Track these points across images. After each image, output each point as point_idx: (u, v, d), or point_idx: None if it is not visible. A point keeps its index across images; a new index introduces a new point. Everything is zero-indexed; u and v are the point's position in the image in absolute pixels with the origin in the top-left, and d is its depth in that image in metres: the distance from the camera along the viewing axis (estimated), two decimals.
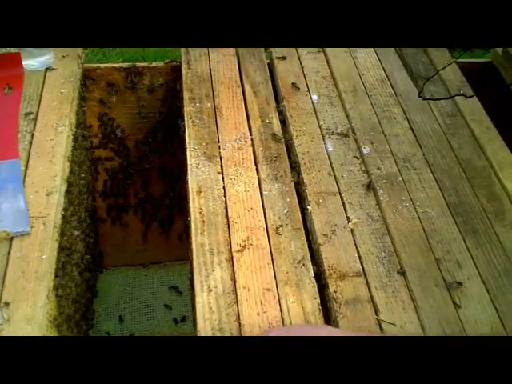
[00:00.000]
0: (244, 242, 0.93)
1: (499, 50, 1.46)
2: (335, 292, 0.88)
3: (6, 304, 0.81)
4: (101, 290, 1.63)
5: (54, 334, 0.88)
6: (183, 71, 1.27)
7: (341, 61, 1.35)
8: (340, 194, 1.04)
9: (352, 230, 0.97)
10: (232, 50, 1.34)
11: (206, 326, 0.81)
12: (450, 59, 1.36)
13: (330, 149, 1.13)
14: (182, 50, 1.33)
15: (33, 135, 1.07)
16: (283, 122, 1.19)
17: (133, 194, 1.61)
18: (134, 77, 1.39)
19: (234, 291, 0.86)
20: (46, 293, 0.84)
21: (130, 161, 1.54)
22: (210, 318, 0.82)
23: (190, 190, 1.01)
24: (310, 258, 0.93)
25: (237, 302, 0.84)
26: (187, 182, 1.04)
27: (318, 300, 0.87)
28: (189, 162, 1.06)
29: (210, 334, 0.81)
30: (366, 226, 0.99)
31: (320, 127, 1.17)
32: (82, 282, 1.16)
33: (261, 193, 1.02)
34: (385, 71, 1.33)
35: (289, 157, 1.11)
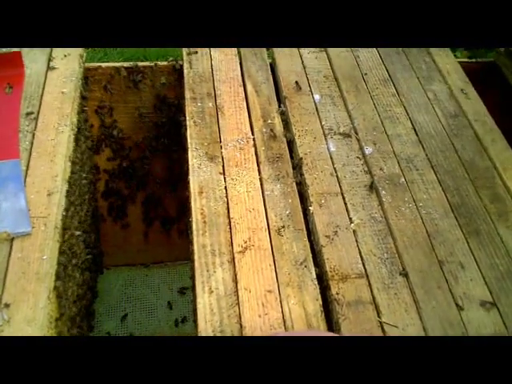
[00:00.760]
0: (246, 242, 0.93)
1: (502, 49, 1.45)
2: (337, 294, 0.87)
3: (7, 305, 0.81)
4: (102, 290, 1.63)
5: (55, 335, 0.88)
6: (185, 71, 1.27)
7: (343, 60, 1.34)
8: (342, 194, 1.03)
9: (354, 231, 0.97)
10: (234, 50, 1.34)
11: (207, 327, 0.81)
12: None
13: (333, 149, 1.12)
14: (184, 49, 1.33)
15: (34, 135, 1.07)
16: (285, 122, 1.18)
17: (133, 194, 1.61)
18: (136, 76, 1.39)
19: (236, 292, 0.85)
20: (47, 294, 0.83)
21: (130, 161, 1.54)
22: (211, 320, 0.82)
23: (192, 190, 1.01)
24: (311, 259, 0.92)
25: (238, 304, 0.84)
26: (189, 182, 1.03)
27: (320, 302, 0.86)
28: (190, 163, 1.06)
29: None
30: (368, 227, 0.98)
31: (322, 127, 1.17)
32: (82, 282, 1.16)
33: (263, 193, 1.02)
34: (387, 71, 1.33)
35: (291, 157, 1.11)
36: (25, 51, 1.23)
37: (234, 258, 0.90)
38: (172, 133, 1.48)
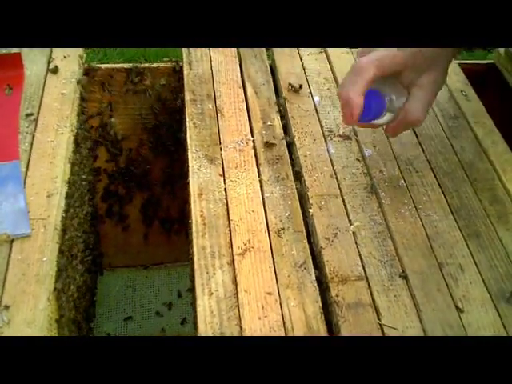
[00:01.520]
0: (245, 244, 0.93)
1: (502, 51, 1.46)
2: (337, 296, 0.87)
3: (6, 307, 0.81)
4: (101, 292, 1.63)
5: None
6: (185, 72, 1.27)
7: (343, 62, 1.34)
8: (342, 196, 1.03)
9: (354, 233, 0.97)
10: (234, 51, 1.34)
11: (206, 329, 0.81)
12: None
13: (332, 151, 1.12)
14: (184, 50, 1.33)
15: (33, 136, 1.07)
16: (285, 124, 1.18)
17: (134, 196, 1.61)
18: (136, 77, 1.39)
19: (236, 295, 0.85)
20: (47, 295, 0.84)
21: (130, 162, 1.54)
22: (211, 322, 0.82)
23: (191, 192, 1.01)
24: (311, 261, 0.92)
25: (238, 306, 0.84)
26: (188, 184, 1.03)
27: (320, 304, 0.86)
28: (190, 164, 1.06)
29: None
30: (367, 229, 0.98)
31: (322, 129, 1.17)
32: (82, 283, 1.16)
33: (262, 195, 1.02)
34: None
35: (290, 159, 1.11)
36: (25, 53, 1.23)
37: (233, 260, 0.90)
38: (171, 134, 1.48)
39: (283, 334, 0.81)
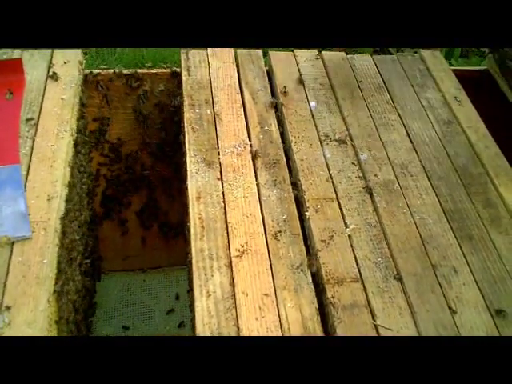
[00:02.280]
0: (243, 247, 0.94)
1: (495, 57, 1.48)
2: (333, 297, 0.89)
3: (8, 308, 0.82)
4: (99, 295, 1.63)
5: None
6: (183, 78, 1.29)
7: (339, 68, 1.36)
8: (338, 200, 1.05)
9: (350, 236, 0.99)
10: (232, 57, 1.36)
11: (205, 330, 0.82)
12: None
13: (328, 155, 1.14)
14: (182, 56, 1.34)
15: (34, 141, 1.08)
16: (282, 129, 1.20)
17: (132, 200, 1.62)
18: (134, 82, 1.41)
19: (233, 296, 0.87)
20: (47, 297, 0.85)
21: (128, 166, 1.55)
22: (209, 323, 0.83)
23: (190, 195, 1.02)
24: (308, 263, 0.94)
25: (235, 307, 0.85)
26: (187, 187, 1.05)
27: (316, 305, 0.88)
28: (188, 168, 1.08)
29: None
30: (363, 232, 1.00)
31: (318, 134, 1.19)
32: (81, 285, 1.17)
33: (259, 199, 1.03)
34: (382, 79, 1.35)
35: (287, 163, 1.12)
36: (25, 58, 1.24)
37: (231, 262, 0.92)
38: (170, 139, 1.50)
39: (280, 335, 0.83)
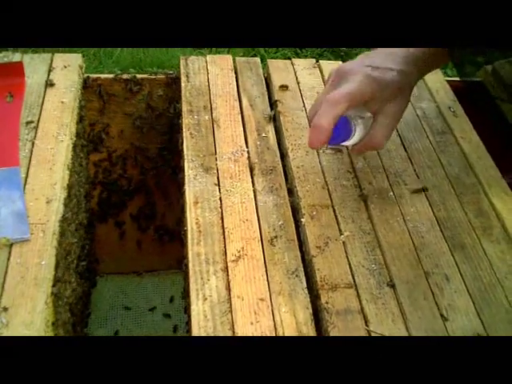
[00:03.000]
0: (239, 252, 0.95)
1: (489, 69, 1.51)
2: (327, 303, 0.90)
3: (5, 309, 0.83)
4: (94, 298, 1.64)
5: None
6: (182, 84, 1.30)
7: None
8: (333, 207, 1.07)
9: (344, 243, 1.00)
10: (230, 64, 1.38)
11: (200, 333, 0.83)
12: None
13: (324, 163, 1.16)
14: (182, 62, 1.36)
15: (33, 143, 1.09)
16: (279, 136, 1.22)
17: (129, 204, 1.63)
18: (134, 87, 1.42)
19: (229, 300, 0.88)
20: (45, 298, 0.86)
21: (125, 170, 1.57)
22: (204, 326, 0.84)
23: (187, 200, 1.04)
24: (303, 269, 0.95)
25: (231, 311, 0.87)
26: (184, 192, 1.06)
27: (311, 310, 0.89)
28: (186, 173, 1.09)
29: None
30: (357, 239, 1.01)
31: None
32: (77, 288, 1.18)
33: (256, 204, 1.05)
34: None
35: (284, 170, 1.14)
36: (26, 62, 1.26)
37: (227, 267, 0.93)
38: (168, 144, 1.51)
39: None
